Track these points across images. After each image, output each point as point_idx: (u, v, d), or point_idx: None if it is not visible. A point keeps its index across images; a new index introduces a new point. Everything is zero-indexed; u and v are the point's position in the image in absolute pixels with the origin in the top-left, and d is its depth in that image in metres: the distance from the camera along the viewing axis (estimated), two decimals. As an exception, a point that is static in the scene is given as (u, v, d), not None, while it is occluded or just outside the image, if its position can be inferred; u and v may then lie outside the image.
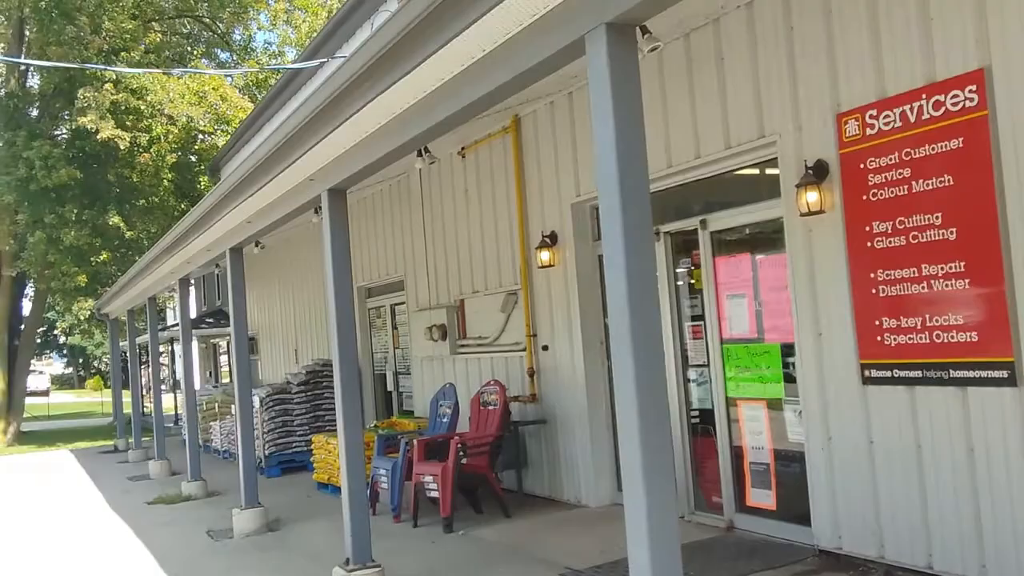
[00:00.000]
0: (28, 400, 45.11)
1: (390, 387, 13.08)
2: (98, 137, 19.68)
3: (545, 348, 9.10)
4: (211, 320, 25.39)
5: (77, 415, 36.68)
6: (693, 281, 7.55)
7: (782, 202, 6.33)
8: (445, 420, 9.35)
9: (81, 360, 60.96)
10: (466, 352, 10.59)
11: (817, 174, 5.94)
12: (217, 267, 16.61)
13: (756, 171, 6.88)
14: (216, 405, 16.63)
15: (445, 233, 10.95)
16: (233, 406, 14.95)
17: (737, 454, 7.17)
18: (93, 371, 58.94)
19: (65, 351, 60.65)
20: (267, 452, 12.93)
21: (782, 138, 6.27)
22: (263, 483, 12.44)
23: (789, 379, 6.64)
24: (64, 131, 21.46)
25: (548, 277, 8.99)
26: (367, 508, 6.70)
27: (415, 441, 8.74)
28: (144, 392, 30.15)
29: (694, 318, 7.52)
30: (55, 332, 57.62)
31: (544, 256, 8.83)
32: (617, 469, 8.58)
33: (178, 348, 38.20)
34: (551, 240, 8.85)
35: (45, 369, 57.79)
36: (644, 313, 3.58)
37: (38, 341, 60.44)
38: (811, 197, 5.93)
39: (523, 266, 9.28)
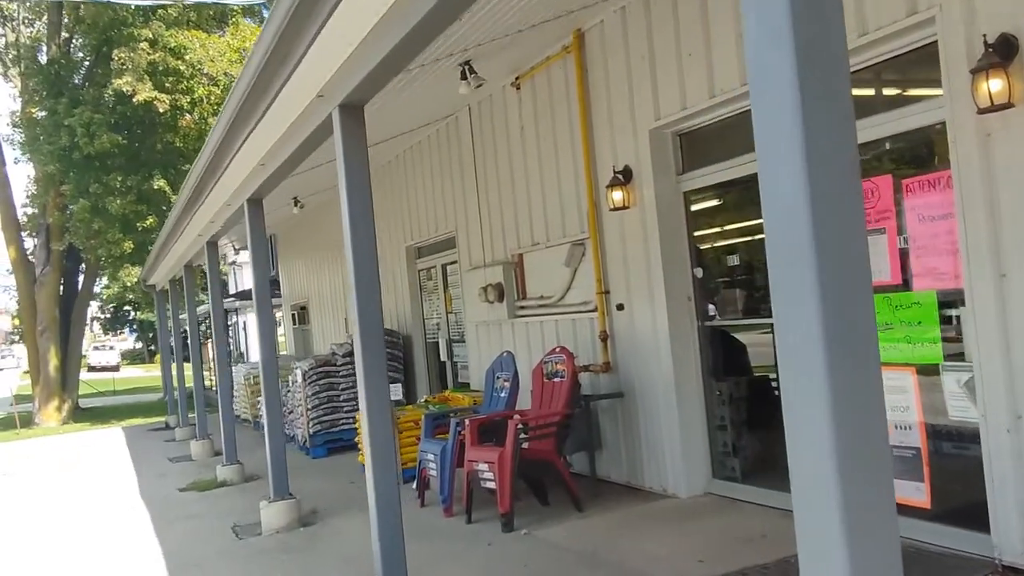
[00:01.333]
0: (96, 376, 45.23)
1: (443, 357, 11.66)
2: (135, 100, 18.53)
3: (620, 307, 7.54)
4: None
5: (141, 390, 36.20)
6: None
7: (945, 100, 4.64)
8: (503, 395, 7.88)
9: (151, 335, 61.17)
10: (526, 315, 9.09)
11: (1002, 52, 4.25)
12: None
13: (902, 66, 5.19)
14: (253, 380, 15.43)
15: (499, 179, 9.42)
16: (290, 378, 13.76)
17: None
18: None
19: (135, 326, 60.87)
20: (311, 431, 11.64)
21: (944, 10, 4.58)
22: (307, 465, 11.22)
23: (950, 338, 4.99)
24: (107, 98, 20.38)
25: (622, 222, 7.41)
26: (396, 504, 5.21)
27: (466, 421, 7.29)
28: (205, 366, 29.39)
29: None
30: (126, 308, 57.81)
31: (616, 196, 7.24)
32: (712, 452, 7.01)
33: (240, 319, 37.63)
34: (624, 177, 7.26)
35: (116, 344, 58.08)
36: (840, 228, 2.00)
37: (107, 317, 60.96)
38: (994, 86, 4.25)
39: (591, 210, 7.71)
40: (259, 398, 15.37)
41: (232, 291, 33.94)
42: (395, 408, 9.30)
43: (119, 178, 20.09)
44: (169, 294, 16.76)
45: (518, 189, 9.03)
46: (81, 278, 24.81)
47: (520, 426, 6.75)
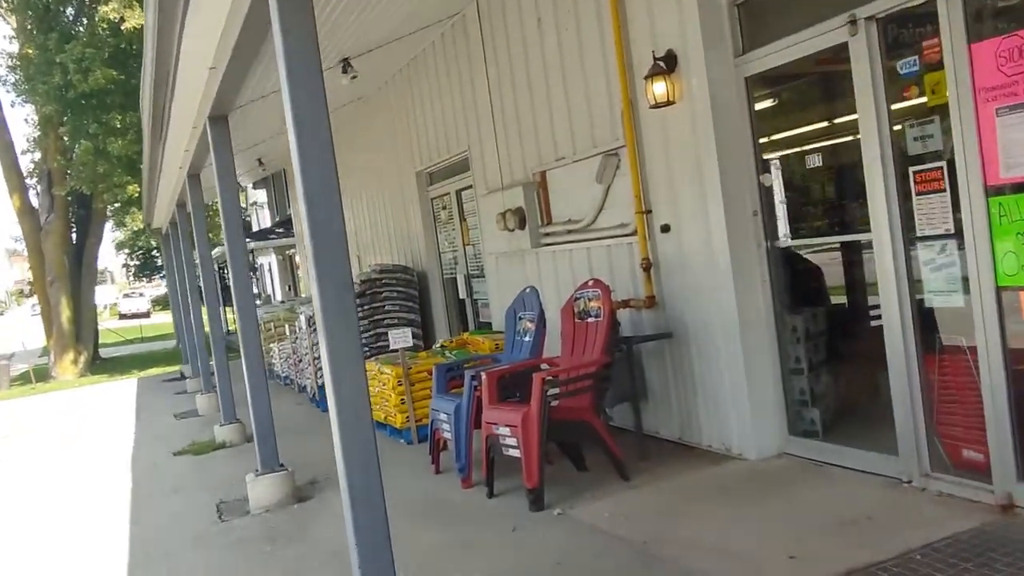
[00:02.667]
0: (126, 324, 44.64)
1: (462, 295, 10.29)
2: (123, 28, 17.07)
3: (665, 229, 6.10)
4: (281, 230, 23.09)
5: (168, 336, 35.38)
6: (924, 93, 4.40)
7: None
8: (527, 340, 6.51)
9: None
10: (552, 243, 7.68)
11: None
12: (262, 166, 14.03)
13: None
14: (273, 325, 14.23)
15: (515, 86, 7.92)
16: (297, 323, 12.52)
17: (1018, 383, 4.14)
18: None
19: (164, 273, 60.23)
20: (320, 382, 10.40)
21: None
22: (315, 420, 10.00)
23: None
24: (100, 32, 18.95)
25: (665, 122, 5.93)
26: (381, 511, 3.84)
27: (483, 375, 5.94)
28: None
29: (925, 158, 4.40)
30: (154, 254, 57.01)
31: (658, 90, 5.74)
32: (788, 402, 5.62)
33: (262, 260, 36.57)
34: (667, 64, 5.74)
35: (146, 291, 57.48)
36: None
37: (136, 264, 60.32)
38: None
39: (626, 111, 6.22)
40: (273, 344, 14.23)
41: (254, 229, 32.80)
42: (407, 355, 7.99)
43: (119, 117, 18.76)
44: (171, 236, 15.52)
45: (537, 95, 7.54)
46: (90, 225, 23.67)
47: (548, 380, 5.38)
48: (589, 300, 6.01)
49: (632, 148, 6.22)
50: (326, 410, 9.33)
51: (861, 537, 4.16)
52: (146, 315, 51.08)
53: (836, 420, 5.71)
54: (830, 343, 5.90)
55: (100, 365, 23.29)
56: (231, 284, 6.66)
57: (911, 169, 4.45)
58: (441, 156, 9.92)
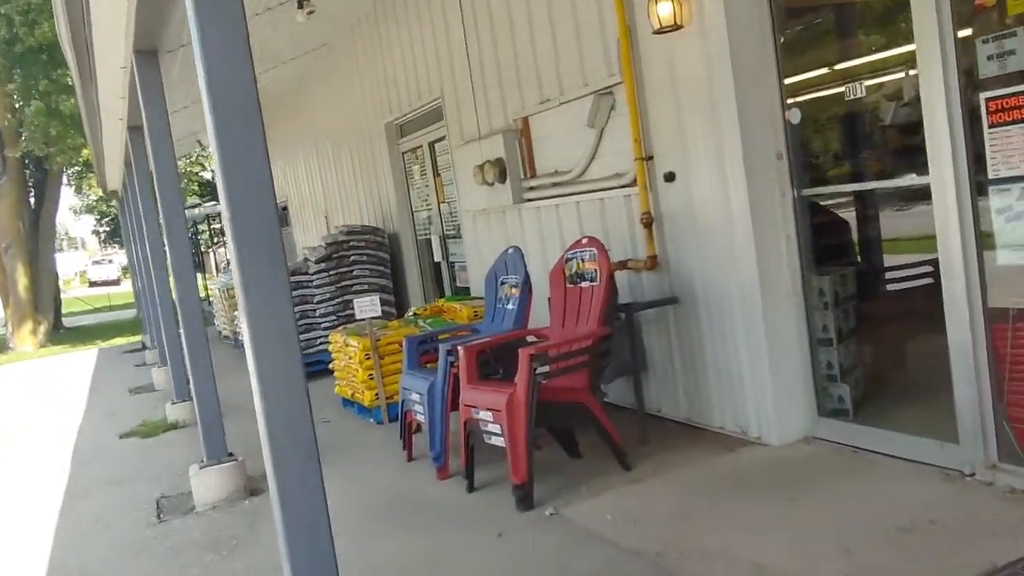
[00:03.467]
0: (96, 291, 43.32)
1: (438, 257, 9.39)
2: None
3: (670, 177, 5.23)
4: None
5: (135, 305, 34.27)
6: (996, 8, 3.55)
7: None
8: (511, 308, 5.65)
9: (152, 246, 59.04)
10: (537, 198, 6.79)
11: None
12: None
13: None
14: (230, 292, 13.27)
15: (493, 21, 6.98)
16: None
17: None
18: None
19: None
20: (284, 353, 9.50)
21: None
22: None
23: None
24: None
25: (670, 50, 5.04)
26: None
27: (460, 349, 5.07)
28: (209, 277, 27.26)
29: (1002, 81, 3.55)
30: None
31: (663, 10, 4.84)
32: (816, 378, 4.81)
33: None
34: (674, -19, 4.85)
35: (115, 258, 55.93)
36: None
37: (106, 230, 58.66)
38: None
39: (623, 40, 5.31)
40: (235, 313, 13.29)
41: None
42: (376, 326, 7.11)
43: (70, 73, 17.54)
44: (124, 200, 14.47)
45: (518, 30, 6.61)
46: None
47: (536, 357, 4.53)
48: (583, 262, 5.14)
49: (630, 84, 5.32)
50: None
51: (927, 549, 3.36)
52: (116, 282, 49.74)
53: (874, 399, 4.92)
54: (860, 308, 5.09)
55: (63, 335, 22.23)
56: (167, 249, 5.73)
57: (983, 96, 3.60)
58: (412, 105, 8.97)
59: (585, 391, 4.77)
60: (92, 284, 50.38)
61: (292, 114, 13.70)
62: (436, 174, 9.05)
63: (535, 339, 5.35)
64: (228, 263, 32.24)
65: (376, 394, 6.96)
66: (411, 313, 7.94)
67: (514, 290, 5.67)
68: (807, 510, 3.91)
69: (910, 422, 4.37)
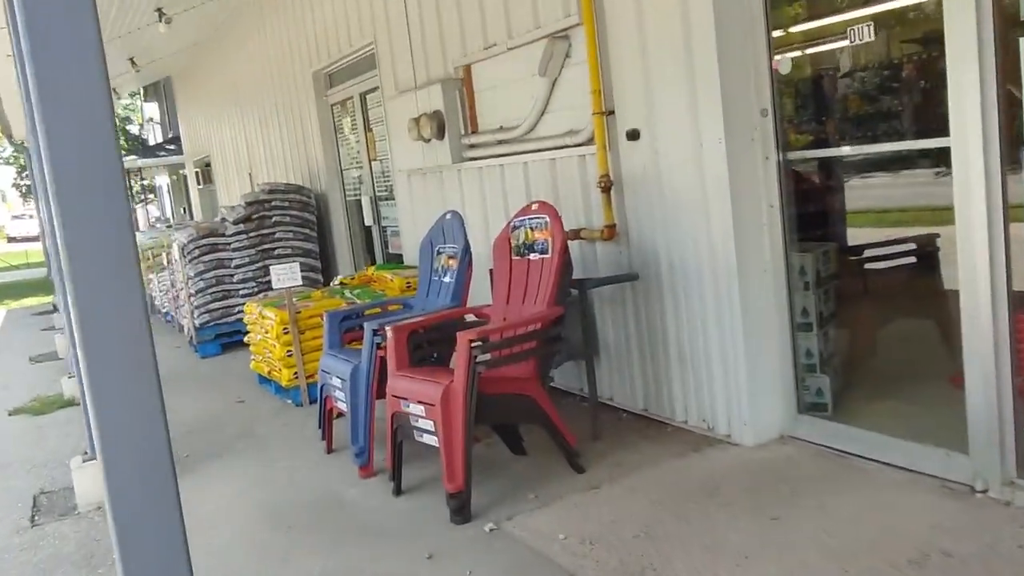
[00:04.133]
0: (16, 247, 41.21)
1: (368, 220, 8.58)
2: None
3: (634, 135, 4.52)
4: (172, 147, 20.78)
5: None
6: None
7: None
8: (447, 280, 4.93)
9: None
10: (479, 156, 6.04)
11: None
12: (135, 67, 11.92)
13: None
14: (151, 253, 12.29)
15: (432, -46, 6.18)
16: (165, 254, 10.66)
17: None
18: (90, 212, 54.79)
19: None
20: (198, 322, 8.64)
21: None
22: (191, 368, 8.31)
23: None
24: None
25: (639, -13, 4.33)
26: None
27: (388, 329, 4.33)
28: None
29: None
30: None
31: (632, -62, 4.12)
32: (796, 370, 4.20)
33: (160, 180, 33.83)
34: (645, -96, 4.12)
35: (36, 214, 53.54)
36: None
37: (29, 183, 56.07)
38: None
39: (583, -25, 4.58)
40: (153, 275, 12.31)
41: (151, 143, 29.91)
42: (296, 296, 6.34)
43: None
44: (33, 149, 13.28)
45: (461, -36, 5.82)
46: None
47: (477, 343, 3.81)
48: (532, 230, 4.43)
49: (590, 25, 4.59)
50: (205, 355, 7.64)
51: (952, 590, 2.77)
52: (37, 239, 47.50)
53: (861, 395, 4.34)
54: (841, 290, 4.49)
55: (-32, 294, 20.79)
56: (49, 195, 4.83)
57: (1024, 41, 2.97)
58: (342, 52, 8.10)
59: (533, 382, 4.08)
60: (11, 240, 48.08)
61: (217, 64, 12.66)
62: (368, 129, 8.22)
63: (475, 319, 4.65)
64: (156, 221, 30.54)
65: (295, 373, 6.20)
66: (337, 283, 7.16)
67: (452, 261, 4.95)
68: (795, 532, 3.29)
69: (904, 424, 3.78)
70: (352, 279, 7.05)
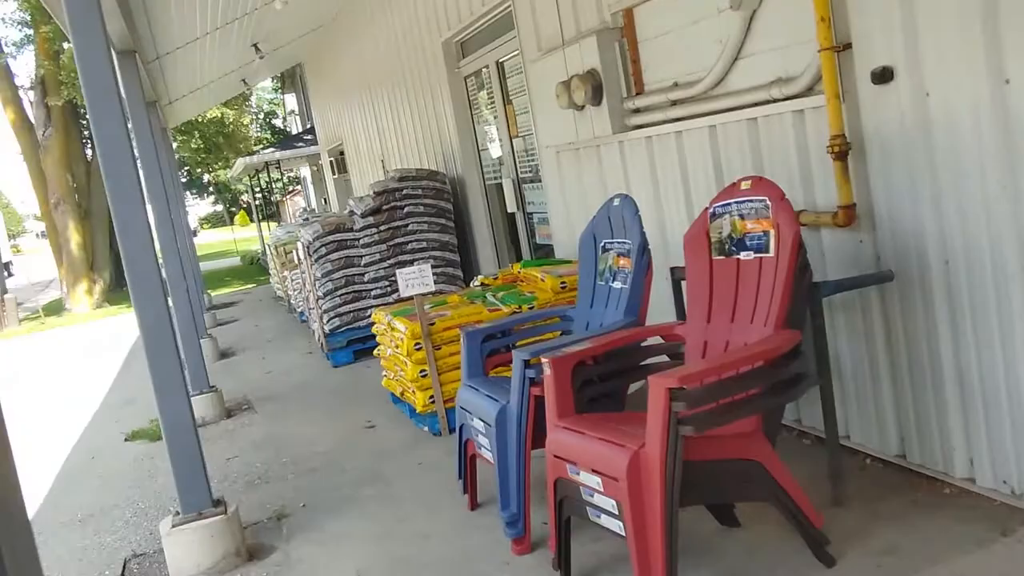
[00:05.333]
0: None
1: (511, 207, 7.43)
2: None
3: (884, 76, 3.14)
4: (309, 137, 20.34)
5: (212, 256, 33.35)
6: None
7: None
8: (618, 287, 3.70)
9: (228, 196, 58.52)
10: (648, 123, 4.77)
11: None
12: (259, 54, 11.20)
13: None
14: (283, 249, 11.61)
15: None
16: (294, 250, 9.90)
17: None
18: (242, 206, 56.62)
19: (211, 189, 58.28)
20: (328, 327, 7.75)
21: None
22: (320, 380, 7.51)
23: None
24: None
25: None
26: None
27: (545, 362, 3.14)
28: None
29: None
30: (199, 171, 55.07)
31: None
32: None
33: (304, 172, 33.97)
34: None
35: (190, 209, 55.52)
36: None
37: (184, 180, 58.36)
38: None
39: None
40: (286, 273, 11.64)
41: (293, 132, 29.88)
42: (428, 304, 5.28)
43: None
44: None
45: None
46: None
47: (680, 393, 2.56)
48: (741, 219, 3.14)
49: (814, -74, 3.25)
50: (337, 364, 6.66)
51: None
52: (194, 233, 49.20)
53: None
54: None
55: (123, 292, 21.04)
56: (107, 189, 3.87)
57: None
58: (474, 14, 6.96)
59: (758, 440, 2.81)
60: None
61: (343, 47, 11.82)
62: (507, 101, 7.06)
63: (663, 342, 3.42)
64: (300, 213, 30.68)
65: (431, 397, 5.13)
66: (477, 284, 6.05)
67: (624, 261, 3.72)
68: None
69: None
70: (495, 279, 5.92)
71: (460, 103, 7.92)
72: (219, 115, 26.77)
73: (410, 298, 5.22)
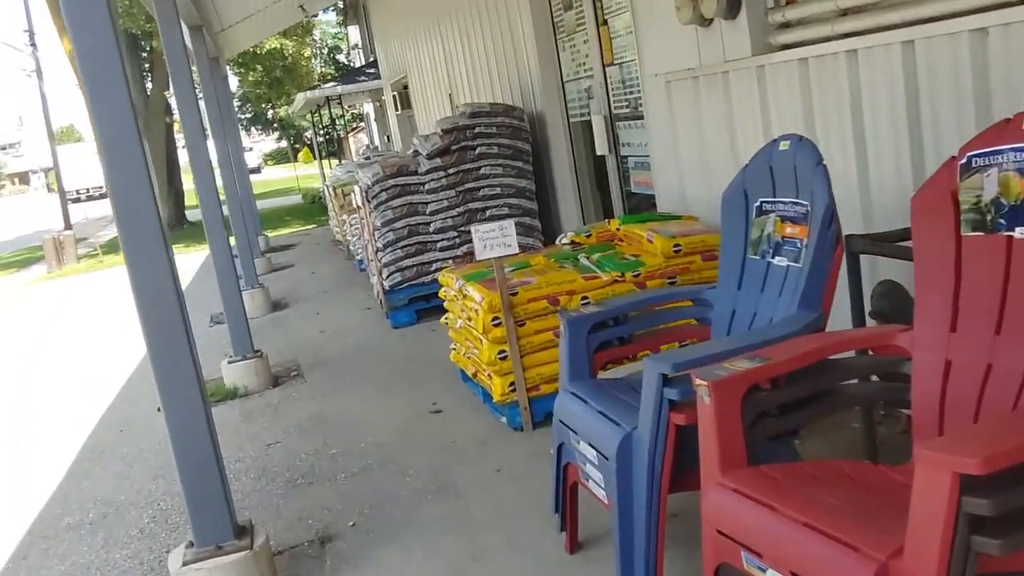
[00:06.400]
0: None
1: (601, 148, 6.29)
2: None
3: None
4: (372, 71, 19.24)
5: (275, 193, 32.64)
6: None
7: None
8: (786, 266, 2.62)
9: (292, 132, 57.96)
10: (804, 40, 3.60)
11: None
12: None
13: None
14: (342, 191, 10.66)
15: None
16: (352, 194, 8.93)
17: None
18: (306, 142, 56.04)
19: (275, 125, 57.76)
20: (387, 284, 6.79)
21: None
22: (381, 342, 6.55)
23: None
24: None
25: None
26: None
27: (703, 383, 2.09)
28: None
29: None
30: (264, 107, 54.53)
31: None
32: None
33: (367, 107, 32.94)
34: None
35: (255, 145, 55.00)
36: None
37: (246, 117, 57.99)
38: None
39: None
40: (345, 216, 10.71)
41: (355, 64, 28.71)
42: (504, 267, 4.26)
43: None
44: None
45: None
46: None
47: (974, 483, 1.50)
48: (1021, 175, 2.02)
49: None
50: (397, 324, 5.13)
51: None
52: (256, 170, 48.77)
53: None
54: None
55: (185, 230, 20.44)
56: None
57: None
58: (564, -83, 5.78)
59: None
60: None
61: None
62: (601, 22, 5.89)
63: (872, 355, 2.33)
64: (365, 150, 29.69)
65: (511, 384, 4.13)
66: (566, 241, 4.98)
67: (795, 229, 2.64)
68: None
69: None
70: (587, 236, 4.85)
71: (542, 26, 6.76)
72: (279, 47, 25.80)
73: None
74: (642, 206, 5.86)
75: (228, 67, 17.12)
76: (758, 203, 2.84)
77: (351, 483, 3.97)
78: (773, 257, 2.76)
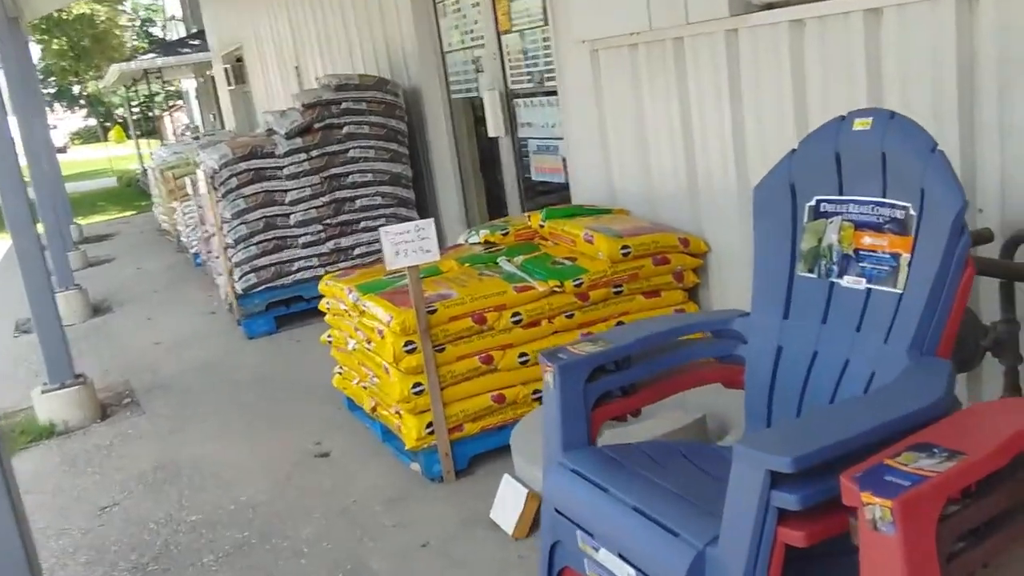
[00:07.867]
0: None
1: (495, 130, 5.36)
2: None
3: None
4: (196, 43, 17.46)
5: (84, 175, 29.63)
6: None
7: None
8: (860, 290, 1.86)
9: (102, 110, 53.39)
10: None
11: None
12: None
13: None
14: (172, 175, 9.25)
15: None
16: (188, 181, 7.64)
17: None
18: (118, 120, 51.73)
19: (83, 101, 53.05)
20: (240, 287, 5.65)
21: None
22: (234, 357, 5.44)
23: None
24: None
25: None
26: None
27: (888, 505, 1.29)
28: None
29: None
30: (70, 79, 49.83)
31: None
32: None
33: (186, 85, 30.48)
34: None
35: (59, 123, 50.10)
36: None
37: (50, 92, 52.96)
38: None
39: None
40: (175, 203, 9.33)
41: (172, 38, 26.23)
42: (419, 274, 3.31)
43: None
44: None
45: None
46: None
47: None
48: None
49: None
50: (252, 335, 4.63)
51: None
52: (63, 150, 44.49)
53: None
54: None
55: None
56: None
57: None
58: None
59: None
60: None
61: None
62: (496, -18, 5.00)
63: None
64: (185, 130, 27.12)
65: (429, 425, 3.21)
66: (475, 239, 4.07)
67: (885, 240, 1.88)
68: None
69: None
70: (504, 235, 3.96)
71: (420, -10, 5.79)
72: (89, 12, 23.20)
73: (371, 264, 3.23)
74: (544, 196, 5.04)
75: (28, 34, 14.93)
76: (813, 202, 2.06)
77: (225, 570, 2.94)
78: (840, 276, 1.99)
